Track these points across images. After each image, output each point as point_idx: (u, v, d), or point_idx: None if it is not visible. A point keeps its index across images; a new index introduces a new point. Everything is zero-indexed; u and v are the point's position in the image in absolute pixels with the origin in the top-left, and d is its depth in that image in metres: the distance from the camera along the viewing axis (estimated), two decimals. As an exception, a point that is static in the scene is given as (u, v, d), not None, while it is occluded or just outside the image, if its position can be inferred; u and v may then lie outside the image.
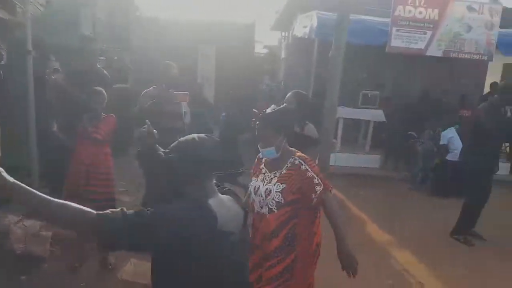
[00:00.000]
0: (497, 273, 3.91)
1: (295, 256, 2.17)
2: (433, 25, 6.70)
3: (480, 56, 7.00)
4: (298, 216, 2.17)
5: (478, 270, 3.95)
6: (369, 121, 7.67)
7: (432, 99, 8.12)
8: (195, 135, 1.56)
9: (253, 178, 2.28)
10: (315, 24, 6.86)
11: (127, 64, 8.91)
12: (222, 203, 1.53)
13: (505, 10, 7.18)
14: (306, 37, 7.58)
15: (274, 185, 2.13)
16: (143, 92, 3.95)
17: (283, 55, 12.15)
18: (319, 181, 2.10)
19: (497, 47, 7.06)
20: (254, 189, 2.22)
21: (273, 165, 2.21)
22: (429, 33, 6.71)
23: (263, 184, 2.18)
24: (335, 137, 7.19)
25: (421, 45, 6.74)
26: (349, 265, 2.16)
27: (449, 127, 6.55)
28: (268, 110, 2.21)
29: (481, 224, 4.59)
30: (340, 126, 7.44)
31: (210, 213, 1.43)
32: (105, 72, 4.72)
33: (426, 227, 4.93)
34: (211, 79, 10.32)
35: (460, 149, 5.92)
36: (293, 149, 2.23)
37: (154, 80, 4.04)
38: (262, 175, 2.22)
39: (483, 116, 4.34)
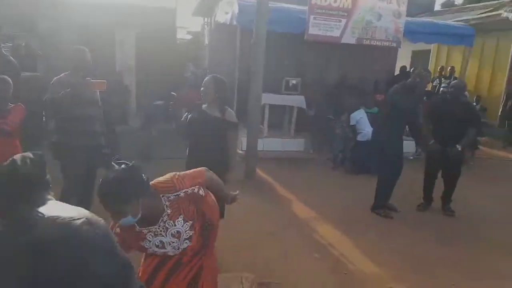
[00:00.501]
0: (410, 240, 4.35)
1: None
2: (347, 13, 7.08)
3: (390, 43, 7.55)
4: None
5: (393, 237, 4.35)
6: (293, 106, 7.95)
7: (349, 85, 8.64)
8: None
9: (142, 242, 2.01)
10: (236, 10, 6.88)
11: (36, 50, 8.20)
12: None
13: (412, 0, 7.82)
14: (228, 23, 7.58)
15: (179, 225, 2.01)
16: (53, 80, 3.65)
17: (206, 41, 12.02)
18: (197, 188, 2.07)
19: (404, 34, 7.67)
20: (158, 246, 2.02)
21: (148, 222, 1.96)
22: (343, 21, 7.08)
23: (164, 235, 2.00)
24: (262, 123, 7.39)
25: (336, 33, 7.10)
26: (232, 200, 2.48)
27: (358, 109, 7.09)
28: (104, 183, 1.77)
29: (395, 197, 5.05)
30: (266, 112, 7.63)
31: None
32: (11, 59, 4.31)
33: (348, 203, 5.29)
34: (131, 66, 9.88)
35: (368, 130, 6.49)
36: (153, 189, 1.95)
37: (67, 67, 3.77)
38: (149, 232, 1.99)
39: (393, 98, 4.74)
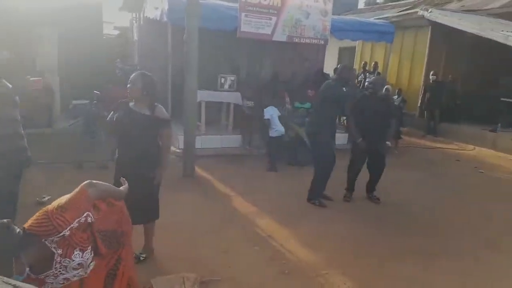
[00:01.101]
0: (343, 226, 4.62)
1: None
2: (277, 11, 7.27)
3: (318, 40, 7.89)
4: None
5: (328, 225, 4.60)
6: (229, 103, 8.01)
7: (281, 81, 8.88)
8: None
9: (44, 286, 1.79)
10: (166, 7, 6.76)
11: None
12: None
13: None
14: (158, 19, 7.42)
15: (79, 258, 1.82)
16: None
17: (135, 37, 11.64)
18: (84, 217, 1.82)
19: (331, 32, 8.04)
20: (63, 283, 1.83)
21: (41, 268, 1.74)
22: (274, 19, 7.26)
23: (65, 272, 1.80)
24: (199, 120, 7.36)
25: (268, 30, 7.26)
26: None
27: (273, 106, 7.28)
28: None
29: (330, 186, 5.32)
30: (203, 109, 7.61)
31: None
32: None
33: (286, 196, 5.48)
34: (54, 66, 9.26)
35: (279, 129, 6.65)
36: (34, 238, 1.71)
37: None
38: (47, 276, 1.77)
39: (324, 93, 4.99)
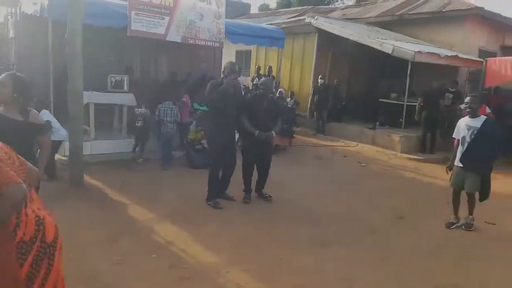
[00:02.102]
0: (243, 226, 4.69)
1: None
2: (169, 11, 7.11)
3: (213, 43, 7.93)
4: None
5: (229, 225, 4.63)
6: (122, 105, 7.59)
7: (178, 81, 8.73)
8: None
9: None
10: (46, 1, 6.16)
11: None
12: None
13: (231, 3, 8.36)
14: (38, 15, 6.72)
15: None
16: None
17: (11, 34, 10.36)
18: None
19: (226, 35, 8.15)
20: None
21: None
22: (166, 18, 7.09)
23: None
24: (87, 124, 6.82)
25: (161, 30, 7.07)
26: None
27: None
28: None
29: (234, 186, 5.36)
30: (92, 112, 7.08)
31: None
32: None
33: (184, 199, 5.38)
34: None
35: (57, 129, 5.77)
36: None
37: None
38: None
39: (211, 94, 5.00)
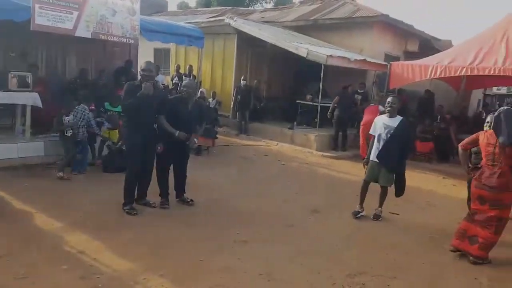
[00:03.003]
0: (161, 230, 4.55)
1: None
2: (78, 5, 6.64)
3: (127, 39, 7.57)
4: None
5: (146, 231, 4.47)
6: (25, 105, 6.91)
7: (88, 80, 8.22)
8: None
9: None
10: None
11: None
12: None
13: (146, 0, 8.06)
14: None
15: None
16: None
17: None
18: None
19: (141, 32, 7.84)
20: None
21: None
22: (75, 13, 6.61)
23: None
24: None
25: (69, 25, 6.57)
26: None
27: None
28: None
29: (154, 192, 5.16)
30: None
31: None
32: None
33: (99, 205, 5.08)
34: None
35: None
36: None
37: None
38: None
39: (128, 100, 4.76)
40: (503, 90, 20.30)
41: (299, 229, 4.91)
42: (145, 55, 11.81)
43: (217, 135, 9.51)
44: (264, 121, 12.19)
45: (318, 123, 10.35)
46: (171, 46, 13.54)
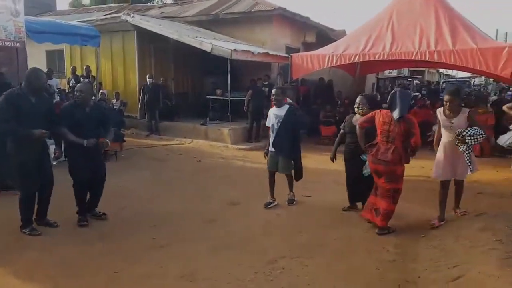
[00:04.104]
0: (70, 250, 4.22)
1: None
2: None
3: (12, 43, 6.86)
4: None
5: (55, 251, 4.10)
6: None
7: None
8: None
9: None
10: None
11: None
12: None
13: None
14: None
15: None
16: None
17: None
18: None
19: (28, 34, 7.13)
20: None
21: None
22: None
23: None
24: None
25: None
26: None
27: None
28: None
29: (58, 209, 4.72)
30: None
31: None
32: None
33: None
34: None
35: None
36: None
37: None
38: None
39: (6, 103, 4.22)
40: (394, 73, 22.57)
41: (219, 224, 4.93)
42: (36, 59, 10.83)
43: (125, 138, 9.08)
44: (175, 119, 11.96)
45: (230, 117, 10.45)
46: (65, 47, 12.54)
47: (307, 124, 5.92)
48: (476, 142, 4.38)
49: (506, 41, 23.34)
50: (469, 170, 4.54)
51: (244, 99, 10.56)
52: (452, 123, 4.55)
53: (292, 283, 3.53)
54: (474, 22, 9.69)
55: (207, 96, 12.15)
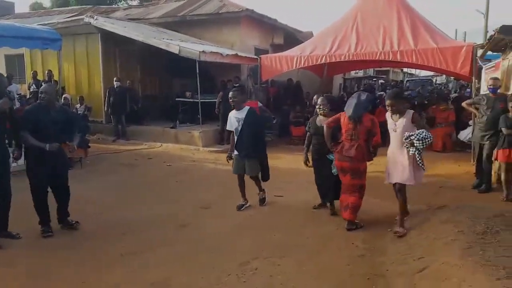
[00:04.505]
0: (27, 261, 4.05)
1: None
2: None
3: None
4: None
5: (14, 265, 3.92)
6: None
7: None
8: None
9: None
10: None
11: None
12: None
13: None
14: None
15: None
16: None
17: None
18: None
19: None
20: None
21: None
22: None
23: None
24: None
25: None
26: None
27: None
28: None
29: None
30: None
31: None
32: None
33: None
34: None
35: None
36: None
37: None
38: None
39: None
40: (360, 73, 23.10)
41: (191, 228, 4.87)
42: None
43: (90, 144, 8.82)
44: (143, 122, 11.74)
45: (201, 119, 10.35)
46: (25, 51, 12.07)
47: (271, 119, 5.90)
48: (424, 146, 4.26)
49: (465, 40, 24.34)
50: (412, 179, 4.39)
51: (215, 101, 10.49)
52: (396, 125, 4.46)
53: (265, 283, 3.53)
54: (435, 22, 10.07)
55: (177, 99, 12.00)
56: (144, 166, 8.43)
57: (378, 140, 4.70)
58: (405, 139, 4.30)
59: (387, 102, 4.52)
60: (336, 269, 3.79)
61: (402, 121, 4.41)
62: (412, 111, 4.52)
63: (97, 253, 4.15)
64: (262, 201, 5.62)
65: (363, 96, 4.82)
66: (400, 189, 4.52)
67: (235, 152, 5.44)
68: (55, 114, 4.56)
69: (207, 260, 3.97)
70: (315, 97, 5.47)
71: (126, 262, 3.95)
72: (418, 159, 4.34)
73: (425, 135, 4.23)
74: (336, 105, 5.82)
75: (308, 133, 5.48)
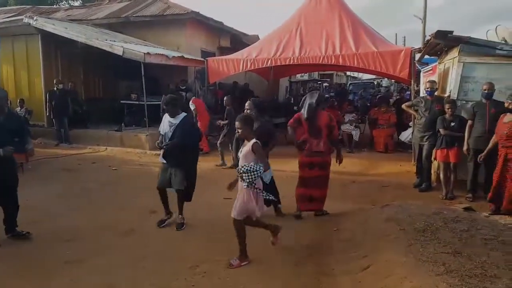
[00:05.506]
0: None
1: None
2: None
3: None
4: None
5: None
6: None
7: None
8: None
9: None
10: None
11: None
12: None
13: None
14: None
15: None
16: None
17: None
18: None
19: None
20: None
21: None
22: None
23: None
24: None
25: None
26: None
27: None
28: None
29: None
30: None
31: None
32: None
33: None
34: None
35: None
36: None
37: None
38: None
39: None
40: (305, 76, 23.72)
41: (139, 234, 4.82)
42: None
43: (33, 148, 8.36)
44: (87, 126, 11.34)
45: (147, 121, 10.16)
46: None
47: (199, 138, 5.53)
48: (251, 179, 3.72)
49: (404, 45, 25.82)
50: (234, 211, 3.96)
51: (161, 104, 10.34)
52: (241, 152, 3.96)
53: (214, 285, 3.59)
54: (375, 27, 10.61)
55: (122, 101, 11.70)
56: (88, 171, 8.16)
57: (337, 132, 5.26)
58: (237, 171, 3.86)
59: (236, 124, 3.95)
60: (285, 269, 3.90)
61: (245, 149, 3.90)
62: (254, 140, 3.85)
63: (41, 261, 4.03)
64: (180, 225, 4.95)
65: (315, 96, 5.15)
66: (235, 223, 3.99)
67: (162, 159, 4.96)
68: (4, 120, 4.38)
69: (154, 265, 3.97)
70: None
71: (71, 270, 3.87)
72: (256, 191, 3.87)
73: (251, 168, 3.70)
74: (261, 108, 6.21)
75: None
